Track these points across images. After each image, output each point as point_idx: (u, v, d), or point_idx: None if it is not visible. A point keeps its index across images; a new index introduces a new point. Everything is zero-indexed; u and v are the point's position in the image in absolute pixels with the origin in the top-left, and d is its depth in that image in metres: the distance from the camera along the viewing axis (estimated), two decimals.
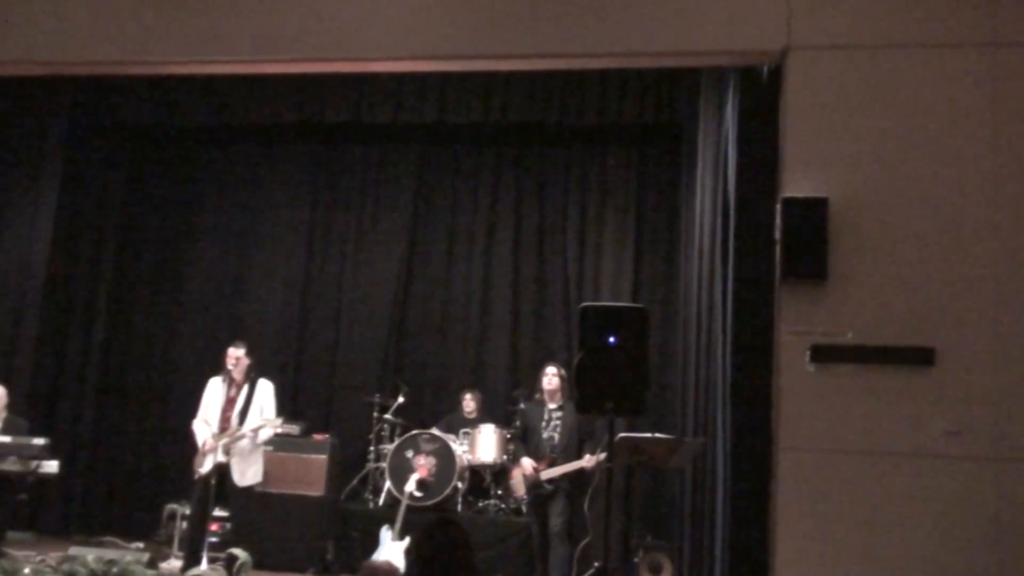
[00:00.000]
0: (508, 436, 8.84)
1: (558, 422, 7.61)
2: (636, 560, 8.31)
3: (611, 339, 5.53)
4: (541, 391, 7.79)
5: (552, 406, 7.69)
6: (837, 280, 5.55)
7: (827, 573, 5.39)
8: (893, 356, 5.44)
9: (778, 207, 5.64)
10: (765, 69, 6.15)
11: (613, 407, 5.55)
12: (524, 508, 8.38)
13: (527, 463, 7.57)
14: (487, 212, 10.62)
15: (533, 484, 7.54)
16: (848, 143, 5.67)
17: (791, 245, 5.55)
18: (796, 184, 5.66)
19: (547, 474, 7.46)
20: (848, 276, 5.55)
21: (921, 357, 5.41)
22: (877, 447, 5.44)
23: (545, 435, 7.61)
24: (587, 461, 7.38)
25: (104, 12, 6.73)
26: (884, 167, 5.63)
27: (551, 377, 7.73)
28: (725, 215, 7.09)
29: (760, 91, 6.20)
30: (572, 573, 7.69)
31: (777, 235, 5.62)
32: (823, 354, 5.51)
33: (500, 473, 9.00)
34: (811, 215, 5.54)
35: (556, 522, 7.45)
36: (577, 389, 5.70)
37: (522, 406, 8.24)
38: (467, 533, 3.75)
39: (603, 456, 7.11)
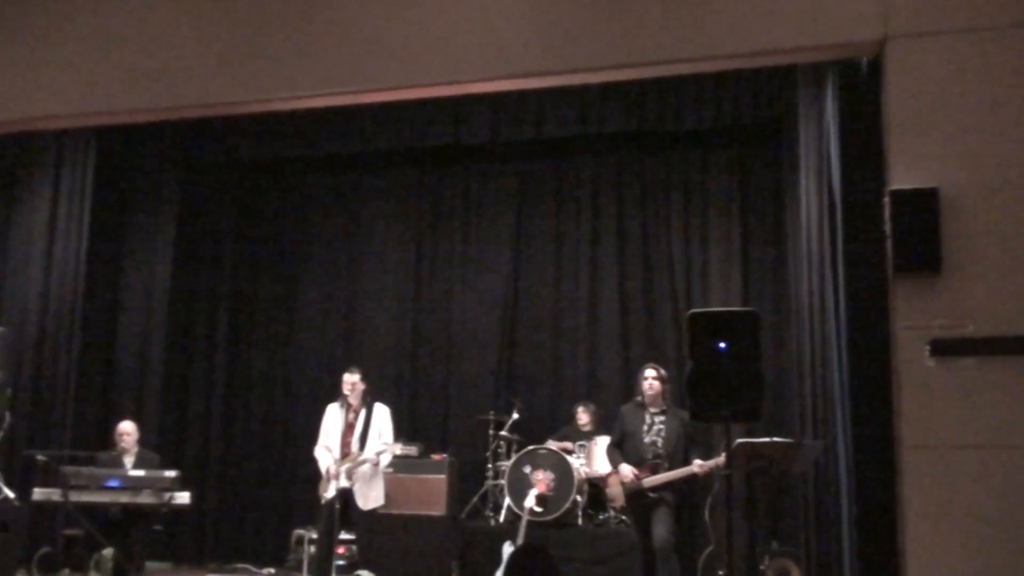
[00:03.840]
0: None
1: (661, 427, 7.16)
2: (762, 567, 8.18)
3: (721, 345, 5.48)
4: (642, 394, 7.34)
5: (654, 410, 7.26)
6: (952, 271, 5.40)
7: (961, 571, 5.24)
8: (1016, 346, 5.26)
9: (886, 200, 5.52)
10: (864, 61, 6.03)
11: (729, 413, 5.50)
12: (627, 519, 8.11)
13: (626, 469, 7.12)
14: (590, 224, 10.60)
15: (634, 493, 7.11)
16: (955, 131, 5.52)
17: (902, 238, 5.43)
18: (903, 176, 5.54)
19: (650, 481, 7.02)
20: (963, 266, 5.40)
21: None
22: (1007, 440, 5.27)
23: (647, 440, 7.16)
24: (697, 467, 6.97)
25: (205, 57, 6.98)
26: (994, 153, 5.46)
27: (651, 381, 7.29)
28: (832, 212, 6.97)
29: (860, 83, 6.09)
30: None
31: (887, 229, 5.50)
32: (943, 348, 5.36)
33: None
34: (921, 206, 5.41)
35: (660, 534, 6.91)
36: (690, 397, 5.64)
37: (621, 409, 7.72)
38: (553, 561, 3.71)
39: (714, 462, 6.94)
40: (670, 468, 7.05)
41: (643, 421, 7.26)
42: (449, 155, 10.72)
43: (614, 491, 7.31)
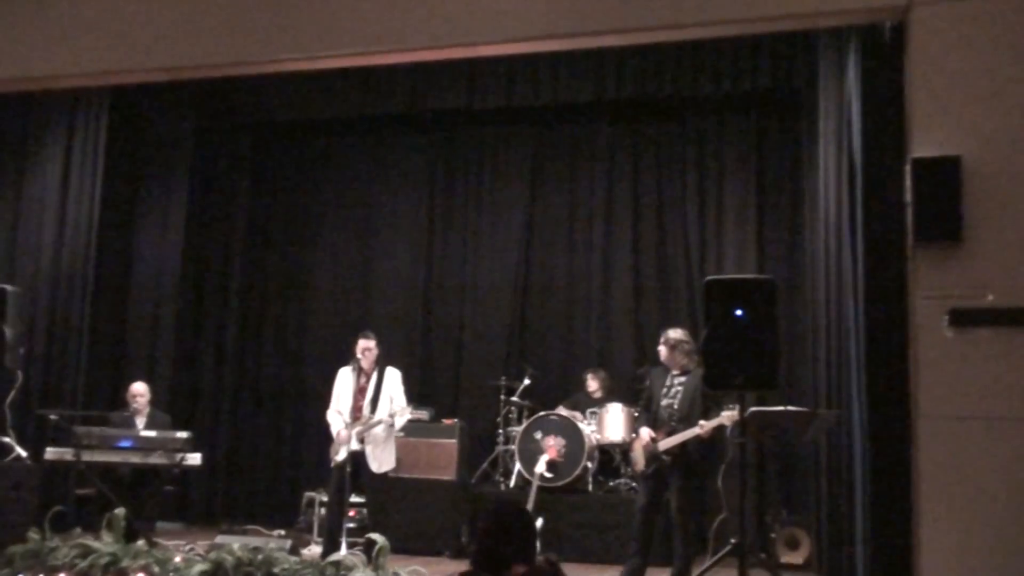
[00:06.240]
0: (635, 415, 8.42)
1: (679, 388, 7.03)
2: (773, 536, 8.19)
3: (738, 312, 5.44)
4: None
5: (675, 372, 7.11)
6: (973, 241, 5.35)
7: (974, 543, 5.22)
8: None
9: (907, 168, 5.45)
10: (887, 26, 5.94)
11: (743, 381, 5.47)
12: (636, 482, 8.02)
13: (645, 433, 7.04)
14: (605, 190, 10.54)
15: (652, 456, 7.01)
16: (979, 98, 5.45)
17: (923, 207, 5.37)
18: (925, 144, 5.47)
19: (664, 444, 6.90)
20: (985, 236, 5.34)
21: None
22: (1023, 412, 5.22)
23: (664, 402, 7.06)
24: (700, 428, 6.75)
25: (222, 16, 6.92)
26: (1019, 122, 5.38)
27: (659, 346, 7.20)
28: (851, 180, 6.89)
29: (882, 49, 6.00)
30: (695, 552, 7.27)
31: (907, 197, 5.44)
32: (962, 318, 5.32)
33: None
34: (942, 175, 5.35)
35: (673, 505, 6.89)
36: (705, 364, 5.61)
37: (650, 371, 7.57)
38: (527, 518, 3.67)
39: (717, 421, 6.82)
40: (684, 430, 6.90)
41: (664, 384, 7.17)
42: (464, 119, 10.64)
43: (635, 456, 7.24)
